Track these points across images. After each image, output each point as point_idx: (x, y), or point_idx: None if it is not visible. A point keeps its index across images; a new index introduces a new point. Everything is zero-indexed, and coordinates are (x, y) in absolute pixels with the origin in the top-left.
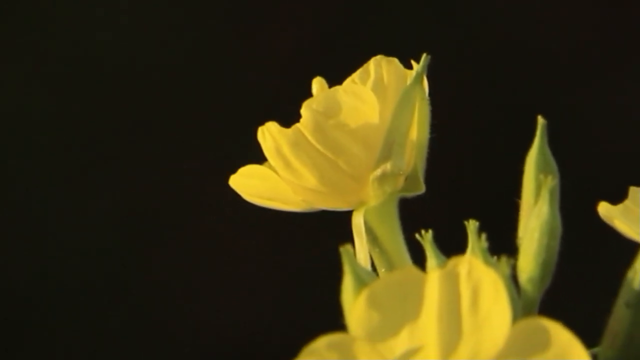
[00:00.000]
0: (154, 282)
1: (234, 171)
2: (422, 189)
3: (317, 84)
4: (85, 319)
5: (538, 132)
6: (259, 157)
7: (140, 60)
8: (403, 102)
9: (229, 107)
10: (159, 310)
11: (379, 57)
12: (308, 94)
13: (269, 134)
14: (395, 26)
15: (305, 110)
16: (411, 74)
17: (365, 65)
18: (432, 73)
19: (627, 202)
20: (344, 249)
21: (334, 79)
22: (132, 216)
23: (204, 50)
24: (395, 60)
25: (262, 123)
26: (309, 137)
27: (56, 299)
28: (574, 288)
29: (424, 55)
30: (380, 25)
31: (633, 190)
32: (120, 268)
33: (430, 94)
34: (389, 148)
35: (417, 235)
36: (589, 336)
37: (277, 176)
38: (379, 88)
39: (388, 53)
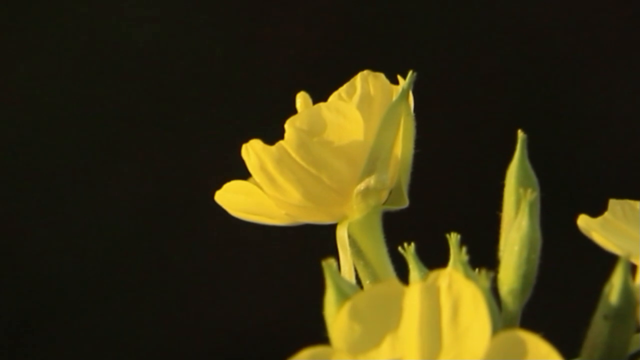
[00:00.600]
0: (153, 281)
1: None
2: (405, 203)
3: (301, 100)
4: (85, 318)
5: (518, 146)
6: None
7: (146, 60)
8: (388, 118)
9: (240, 107)
10: (160, 310)
11: (365, 72)
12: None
13: (252, 151)
14: (396, 34)
15: (288, 127)
16: (397, 89)
17: (351, 80)
18: (426, 76)
19: (606, 214)
20: (326, 263)
21: (338, 85)
22: (136, 216)
23: (224, 50)
24: (382, 76)
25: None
26: (293, 155)
27: (56, 298)
28: (554, 300)
29: (410, 72)
30: (383, 34)
31: (612, 203)
32: (120, 268)
33: (416, 107)
34: (373, 163)
35: (400, 248)
36: (568, 348)
37: (261, 191)
38: (365, 103)
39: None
